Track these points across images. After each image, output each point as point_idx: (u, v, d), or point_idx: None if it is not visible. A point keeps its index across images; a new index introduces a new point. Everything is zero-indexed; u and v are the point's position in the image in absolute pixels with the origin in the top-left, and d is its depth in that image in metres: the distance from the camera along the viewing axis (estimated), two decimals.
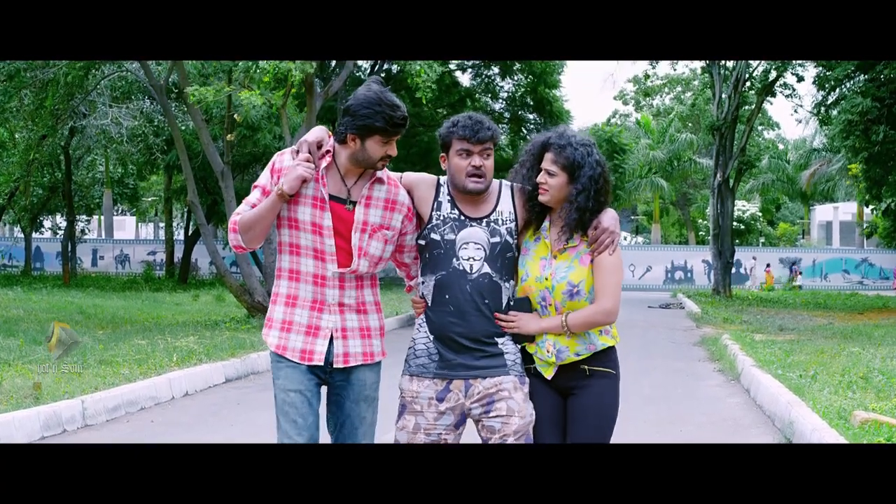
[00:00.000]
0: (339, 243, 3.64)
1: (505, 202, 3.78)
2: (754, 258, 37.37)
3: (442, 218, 3.73)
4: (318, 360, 3.64)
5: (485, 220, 3.72)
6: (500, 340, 3.68)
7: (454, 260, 3.68)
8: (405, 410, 3.72)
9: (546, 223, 3.75)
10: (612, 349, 3.74)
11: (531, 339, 3.71)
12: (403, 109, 3.61)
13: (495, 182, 3.81)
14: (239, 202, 15.84)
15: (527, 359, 3.75)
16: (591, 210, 3.65)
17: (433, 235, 3.72)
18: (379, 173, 3.70)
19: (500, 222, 3.73)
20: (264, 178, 3.68)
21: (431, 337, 3.70)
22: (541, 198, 3.69)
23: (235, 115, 15.24)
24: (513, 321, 3.68)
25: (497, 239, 3.70)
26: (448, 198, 3.76)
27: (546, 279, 3.67)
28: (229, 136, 15.88)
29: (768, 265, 36.70)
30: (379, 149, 3.60)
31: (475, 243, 3.69)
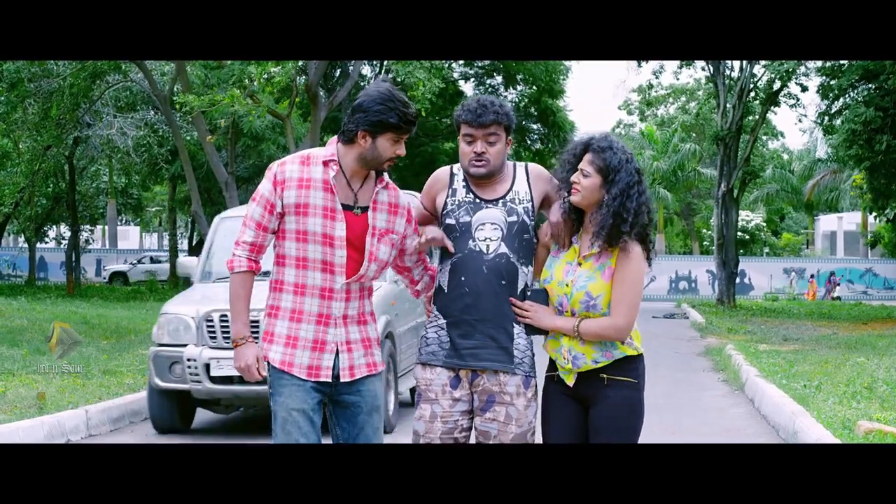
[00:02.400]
0: (348, 253, 3.58)
1: (520, 182, 3.73)
2: (794, 272, 37.12)
3: (457, 202, 3.69)
4: (326, 376, 3.59)
5: (500, 200, 3.68)
6: (514, 331, 3.62)
7: (470, 241, 3.63)
8: (421, 399, 3.68)
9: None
10: (635, 358, 3.65)
11: (543, 332, 3.66)
12: (414, 108, 3.60)
13: (509, 164, 3.76)
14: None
15: (551, 366, 3.71)
16: (624, 218, 3.55)
17: (448, 220, 3.68)
18: (385, 178, 3.67)
19: (516, 201, 3.68)
20: (266, 189, 3.59)
21: (444, 321, 3.65)
22: (572, 197, 3.62)
23: (221, 121, 15.10)
24: (527, 311, 3.63)
25: (514, 218, 3.65)
26: (463, 183, 3.72)
27: (567, 285, 3.61)
28: (209, 137, 15.60)
29: (812, 276, 36.41)
30: (389, 147, 3.57)
31: (492, 223, 3.64)
